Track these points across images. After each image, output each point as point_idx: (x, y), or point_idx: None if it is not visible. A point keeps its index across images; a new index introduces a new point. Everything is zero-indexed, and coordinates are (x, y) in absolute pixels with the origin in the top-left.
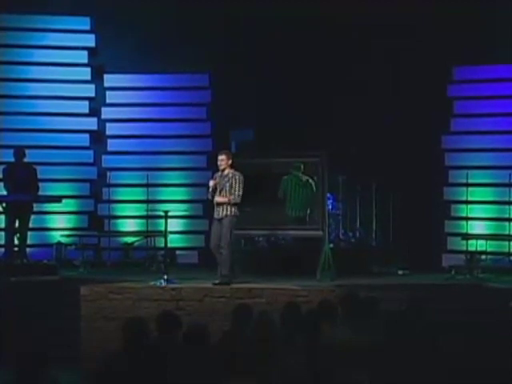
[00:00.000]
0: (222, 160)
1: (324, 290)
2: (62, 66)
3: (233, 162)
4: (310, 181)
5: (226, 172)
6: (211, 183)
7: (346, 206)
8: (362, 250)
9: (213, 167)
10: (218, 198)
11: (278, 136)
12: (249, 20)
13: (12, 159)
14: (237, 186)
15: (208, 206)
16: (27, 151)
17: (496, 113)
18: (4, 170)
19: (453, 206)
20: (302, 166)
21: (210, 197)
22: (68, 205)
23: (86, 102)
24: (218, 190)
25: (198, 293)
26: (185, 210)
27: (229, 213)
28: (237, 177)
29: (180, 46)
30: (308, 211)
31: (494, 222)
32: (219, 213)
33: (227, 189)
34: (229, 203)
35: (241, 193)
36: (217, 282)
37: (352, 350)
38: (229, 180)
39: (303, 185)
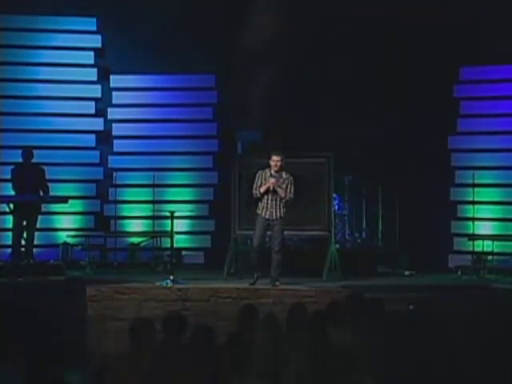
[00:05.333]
0: (279, 161)
1: (330, 290)
2: (68, 66)
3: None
4: None
5: (278, 173)
6: (273, 180)
7: (352, 206)
8: (368, 250)
9: (218, 168)
10: (279, 190)
11: (284, 137)
12: (257, 20)
13: (19, 159)
14: (292, 187)
15: (214, 207)
16: (33, 152)
17: (503, 113)
18: (12, 171)
19: (459, 206)
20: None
21: (258, 194)
22: (74, 205)
23: (92, 103)
24: (273, 189)
25: (204, 293)
26: (191, 211)
27: (282, 215)
28: (291, 178)
29: (186, 47)
30: None
31: (501, 222)
32: (272, 214)
33: (284, 189)
34: (283, 203)
35: (293, 196)
36: (271, 282)
37: (357, 352)
38: (284, 181)
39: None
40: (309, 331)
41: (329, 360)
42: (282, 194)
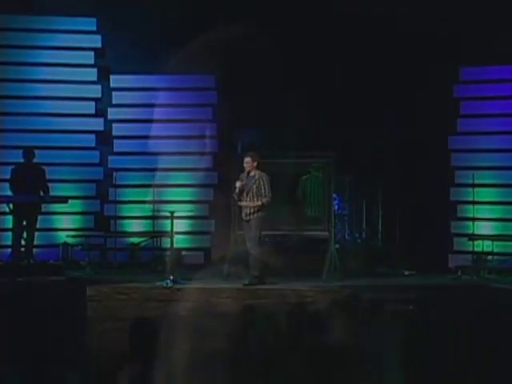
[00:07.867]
0: (247, 162)
1: (330, 290)
2: (68, 66)
3: (259, 163)
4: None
5: (251, 173)
6: (238, 184)
7: (352, 206)
8: (368, 250)
9: (218, 168)
10: (247, 203)
11: (284, 137)
12: (255, 21)
13: (19, 159)
14: (266, 186)
15: (214, 207)
16: (35, 152)
17: (503, 113)
18: (12, 171)
19: (459, 206)
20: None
21: (235, 198)
22: (74, 205)
23: (93, 103)
24: (245, 191)
25: (204, 293)
26: (191, 211)
27: (256, 213)
28: (264, 178)
29: (186, 47)
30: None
31: (501, 222)
32: (247, 214)
33: (254, 190)
34: (258, 202)
35: (270, 193)
36: (246, 282)
37: (357, 352)
38: (255, 182)
39: (321, 185)
40: (308, 331)
41: (328, 360)
42: (254, 200)
